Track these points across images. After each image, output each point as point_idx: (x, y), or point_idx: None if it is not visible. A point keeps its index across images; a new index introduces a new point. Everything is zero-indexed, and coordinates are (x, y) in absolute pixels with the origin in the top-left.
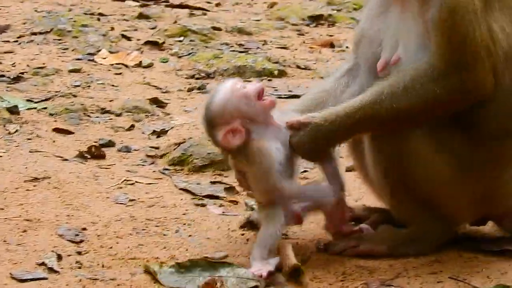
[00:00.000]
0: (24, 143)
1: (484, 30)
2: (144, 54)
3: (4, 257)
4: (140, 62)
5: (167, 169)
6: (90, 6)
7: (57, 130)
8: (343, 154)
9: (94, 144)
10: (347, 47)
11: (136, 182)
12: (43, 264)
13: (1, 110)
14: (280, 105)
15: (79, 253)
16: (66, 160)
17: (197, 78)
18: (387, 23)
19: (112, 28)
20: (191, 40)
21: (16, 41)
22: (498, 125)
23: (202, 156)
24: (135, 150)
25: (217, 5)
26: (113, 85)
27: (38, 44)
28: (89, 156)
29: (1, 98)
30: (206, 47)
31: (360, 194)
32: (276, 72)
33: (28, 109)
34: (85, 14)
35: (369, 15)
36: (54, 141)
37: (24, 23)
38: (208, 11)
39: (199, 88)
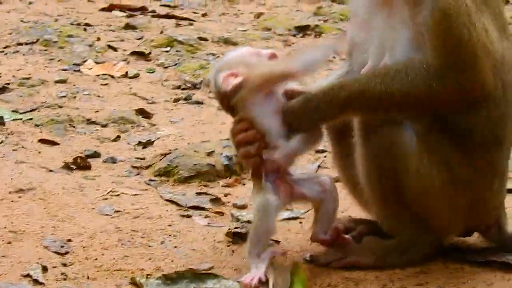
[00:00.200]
0: (9, 154)
1: (480, 30)
2: (130, 65)
3: None
4: (126, 72)
5: (152, 180)
6: (76, 17)
7: (42, 141)
8: (328, 165)
9: (79, 155)
10: (333, 57)
11: (122, 193)
12: (28, 275)
13: None
14: None
15: (65, 264)
16: (52, 171)
17: (183, 89)
18: (374, 29)
19: (98, 39)
20: (177, 51)
21: (2, 51)
22: (488, 132)
23: (188, 167)
24: (120, 161)
25: (204, 15)
26: (99, 96)
27: (24, 54)
28: (74, 167)
29: None
30: (193, 57)
31: (345, 205)
32: None
33: (14, 120)
34: (72, 24)
35: (355, 22)
36: (39, 152)
37: (10, 33)
38: (195, 21)
39: (185, 99)
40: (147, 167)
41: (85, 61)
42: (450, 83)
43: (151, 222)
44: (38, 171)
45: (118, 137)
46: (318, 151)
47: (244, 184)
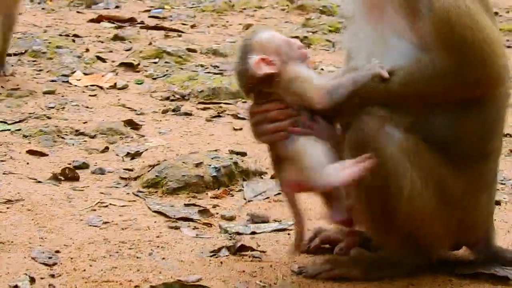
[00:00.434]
0: None
1: (486, 25)
2: (119, 76)
3: None
4: (115, 83)
5: (141, 192)
6: (65, 28)
7: (31, 152)
8: None
9: (68, 166)
10: (322, 69)
11: (110, 204)
12: (16, 287)
13: None
14: None
15: (52, 276)
16: (40, 182)
17: (172, 100)
18: (364, 38)
19: (87, 50)
20: (166, 62)
21: None
22: (476, 143)
23: (176, 179)
24: (109, 172)
25: (192, 26)
26: (87, 107)
27: (12, 65)
28: (62, 178)
29: None
30: (181, 68)
31: None
32: None
33: (2, 130)
34: (60, 35)
35: (349, 30)
36: (27, 163)
37: None
38: (183, 32)
39: (173, 110)
40: (135, 178)
41: (74, 72)
42: (467, 78)
43: (139, 234)
44: (26, 182)
45: (107, 148)
46: None
47: (232, 196)
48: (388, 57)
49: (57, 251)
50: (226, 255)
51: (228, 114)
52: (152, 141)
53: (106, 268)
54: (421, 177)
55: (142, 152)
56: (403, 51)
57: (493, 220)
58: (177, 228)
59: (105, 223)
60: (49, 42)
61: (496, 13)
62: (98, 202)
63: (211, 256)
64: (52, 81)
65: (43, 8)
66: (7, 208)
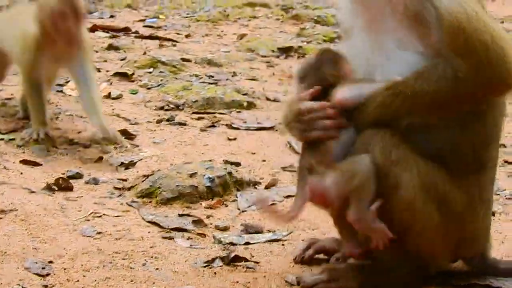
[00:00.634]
0: None
1: (495, 27)
2: (113, 86)
3: None
4: (109, 93)
5: (135, 202)
6: None
7: (24, 162)
8: None
9: (61, 176)
10: None
11: (104, 214)
12: None
13: None
14: None
15: (46, 286)
16: (34, 192)
17: (166, 110)
18: (359, 48)
19: None
20: (160, 72)
21: None
22: (474, 155)
23: (170, 189)
24: (103, 182)
25: (187, 36)
26: (81, 117)
27: (7, 74)
28: (56, 188)
29: None
30: (176, 78)
31: (329, 227)
32: (245, 104)
33: None
34: None
35: (348, 42)
36: (21, 173)
37: None
38: (178, 42)
39: (168, 120)
40: (129, 189)
41: (68, 81)
42: (481, 82)
43: (133, 244)
44: (20, 192)
45: (101, 158)
46: None
47: (226, 206)
48: (389, 68)
49: (51, 262)
50: (220, 266)
51: (223, 124)
52: (146, 151)
53: (99, 279)
54: (421, 190)
55: (136, 162)
56: (406, 61)
57: (490, 233)
58: (171, 238)
59: (99, 233)
60: None
61: None
62: (92, 212)
63: (204, 267)
64: None
65: None
66: (1, 218)
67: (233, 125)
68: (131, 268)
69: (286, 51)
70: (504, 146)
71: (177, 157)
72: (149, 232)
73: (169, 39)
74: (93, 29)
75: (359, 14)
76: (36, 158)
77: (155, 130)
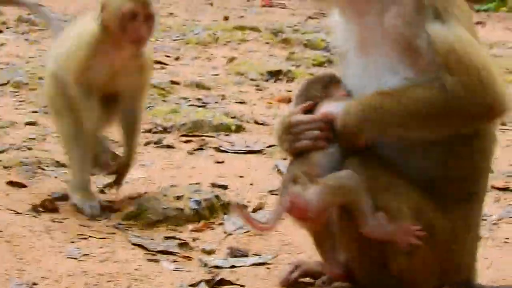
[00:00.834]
0: None
1: (486, 55)
2: None
3: None
4: None
5: (121, 224)
6: None
7: (10, 183)
8: None
9: (48, 197)
10: None
11: (89, 236)
12: None
13: None
14: None
15: None
16: (19, 213)
17: (154, 132)
18: (353, 73)
19: None
20: (149, 94)
21: None
22: (463, 184)
23: (156, 211)
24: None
25: (177, 59)
26: None
27: None
28: (42, 210)
29: None
30: (164, 101)
31: (314, 251)
32: (233, 127)
33: None
34: (43, 66)
35: (341, 66)
36: (7, 194)
37: None
38: (167, 65)
39: (155, 143)
40: (115, 211)
41: None
42: (474, 103)
43: (118, 266)
44: (6, 214)
45: None
46: None
47: (213, 229)
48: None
49: (35, 283)
50: None
51: (211, 147)
52: (133, 173)
53: None
54: (407, 217)
55: (123, 184)
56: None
57: (476, 260)
58: (156, 261)
59: (84, 255)
60: (32, 73)
61: None
62: (78, 234)
63: None
64: (34, 112)
65: (26, 39)
66: None
67: (221, 148)
68: None
69: (275, 75)
70: (492, 171)
71: (164, 180)
72: (134, 255)
73: (158, 62)
74: None
75: (353, 38)
76: (22, 180)
77: (142, 153)
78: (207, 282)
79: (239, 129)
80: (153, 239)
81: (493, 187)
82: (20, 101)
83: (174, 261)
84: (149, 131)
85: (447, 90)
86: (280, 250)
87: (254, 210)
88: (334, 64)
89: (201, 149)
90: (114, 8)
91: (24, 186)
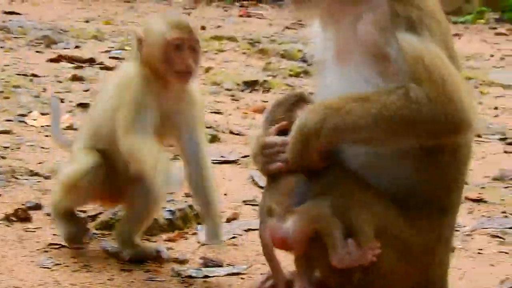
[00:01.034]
0: None
1: (456, 70)
2: (76, 117)
3: None
4: (72, 124)
5: (94, 233)
6: (24, 67)
7: None
8: None
9: (21, 206)
10: None
11: (62, 246)
12: None
13: None
14: None
15: None
16: None
17: None
18: (329, 82)
19: (45, 89)
20: None
21: None
22: (435, 198)
23: None
24: None
25: None
26: (43, 147)
27: None
28: (15, 219)
29: None
30: None
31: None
32: (209, 137)
33: None
34: (18, 74)
35: (319, 75)
36: None
37: None
38: None
39: None
40: (89, 220)
41: (31, 112)
42: (437, 115)
43: (91, 276)
44: None
45: None
46: None
47: (186, 239)
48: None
49: None
50: None
51: None
52: None
53: None
54: (378, 232)
55: None
56: None
57: (448, 272)
58: (129, 270)
59: (57, 264)
60: (7, 81)
61: None
62: (50, 244)
63: None
64: (8, 120)
65: (1, 47)
66: None
67: None
68: None
69: (251, 85)
70: (466, 183)
71: None
72: (108, 264)
73: None
74: (58, 59)
75: (331, 46)
76: None
77: None
78: None
79: (214, 139)
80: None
81: (467, 199)
82: None
83: (147, 271)
84: None
85: (411, 98)
86: (254, 260)
87: (228, 221)
88: (310, 74)
89: (176, 158)
90: (156, 38)
91: None
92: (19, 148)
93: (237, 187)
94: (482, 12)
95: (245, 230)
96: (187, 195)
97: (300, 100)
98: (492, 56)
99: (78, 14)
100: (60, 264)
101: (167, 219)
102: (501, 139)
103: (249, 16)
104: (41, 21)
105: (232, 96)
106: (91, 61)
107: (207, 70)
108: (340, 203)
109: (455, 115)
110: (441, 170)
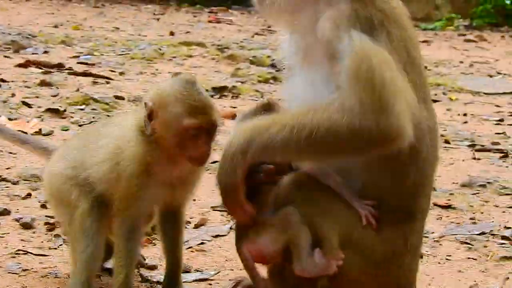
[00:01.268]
0: None
1: (401, 79)
2: (45, 122)
3: None
4: (40, 130)
5: (63, 239)
6: None
7: None
8: None
9: None
10: None
11: (30, 252)
12: None
13: None
14: None
15: None
16: None
17: None
18: (296, 86)
19: (13, 95)
20: (93, 109)
21: None
22: (398, 203)
23: None
24: (31, 219)
25: (121, 74)
26: (11, 153)
27: None
28: None
29: None
30: (108, 116)
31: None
32: None
33: None
34: None
35: (287, 78)
36: None
37: None
38: (112, 79)
39: None
40: (57, 226)
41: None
42: (368, 123)
43: (59, 282)
44: None
45: (29, 194)
46: None
47: (154, 244)
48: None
49: None
50: None
51: None
52: None
53: None
54: (342, 240)
55: None
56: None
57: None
58: (97, 276)
59: (25, 270)
60: None
61: (425, 67)
62: (18, 250)
63: None
64: None
65: None
66: None
67: None
68: None
69: (220, 91)
70: (434, 189)
71: None
72: None
73: (102, 76)
74: (26, 64)
75: (297, 52)
76: None
77: None
78: None
79: None
80: None
81: (436, 205)
82: None
83: None
84: None
85: (344, 110)
86: (222, 266)
87: (196, 226)
88: (279, 80)
89: None
90: (171, 120)
91: None
92: None
93: (205, 192)
94: (452, 19)
95: (213, 236)
96: None
97: (268, 108)
98: (461, 62)
99: (46, 19)
100: (28, 269)
101: None
102: (470, 146)
103: (218, 22)
104: (9, 26)
105: None
106: (59, 67)
107: (176, 75)
108: (305, 211)
109: (386, 123)
110: (400, 176)
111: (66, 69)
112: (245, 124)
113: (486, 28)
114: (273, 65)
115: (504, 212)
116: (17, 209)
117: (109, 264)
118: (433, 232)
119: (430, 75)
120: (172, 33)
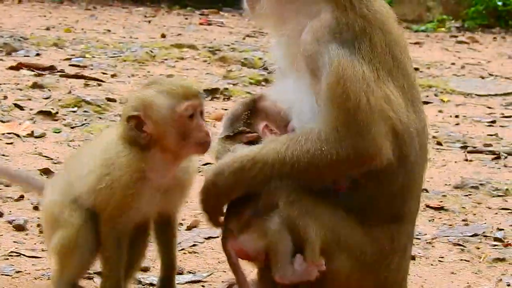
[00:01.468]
0: None
1: (378, 97)
2: (37, 124)
3: None
4: (32, 132)
5: None
6: None
7: None
8: None
9: None
10: None
11: (23, 254)
12: None
13: None
14: None
15: None
16: None
17: None
18: (284, 93)
19: (5, 97)
20: (85, 111)
21: None
22: (387, 206)
23: None
24: (24, 221)
25: (113, 76)
26: (3, 155)
27: None
28: None
29: None
30: (100, 118)
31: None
32: None
33: None
34: None
35: (277, 84)
36: None
37: None
38: (104, 82)
39: None
40: None
41: None
42: (345, 149)
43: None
44: None
45: (22, 196)
46: None
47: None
48: (301, 108)
49: None
50: None
51: None
52: None
53: None
54: (329, 241)
55: None
56: (312, 103)
57: (407, 280)
58: (90, 278)
59: (18, 272)
60: None
61: (417, 69)
62: (11, 252)
63: None
64: None
65: None
66: None
67: None
68: None
69: (212, 93)
70: (426, 191)
71: None
72: None
73: (94, 79)
74: (18, 67)
75: (284, 57)
76: None
77: None
78: None
79: None
80: None
81: (428, 207)
82: None
83: None
84: None
85: (321, 141)
86: (215, 268)
87: (189, 228)
88: (271, 82)
89: None
90: (164, 114)
91: None
92: None
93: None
94: (443, 21)
95: (205, 238)
96: None
97: (252, 111)
98: (453, 64)
99: (38, 22)
100: (21, 271)
101: None
102: (462, 147)
103: (209, 24)
104: (1, 28)
105: None
106: (51, 69)
107: (168, 77)
108: (288, 214)
109: (363, 147)
110: (389, 179)
111: (58, 72)
112: (225, 163)
113: (478, 29)
114: (264, 67)
115: (496, 213)
116: (10, 211)
117: None
118: (425, 234)
119: (422, 77)
120: (163, 36)
